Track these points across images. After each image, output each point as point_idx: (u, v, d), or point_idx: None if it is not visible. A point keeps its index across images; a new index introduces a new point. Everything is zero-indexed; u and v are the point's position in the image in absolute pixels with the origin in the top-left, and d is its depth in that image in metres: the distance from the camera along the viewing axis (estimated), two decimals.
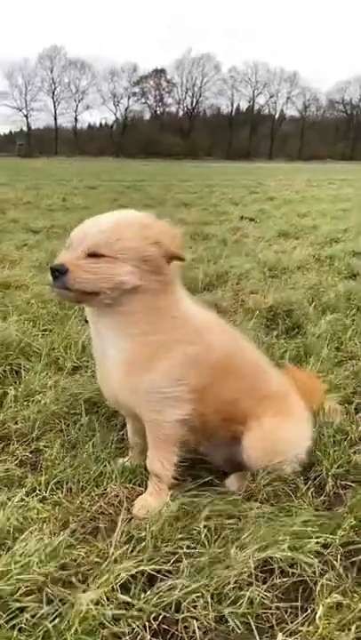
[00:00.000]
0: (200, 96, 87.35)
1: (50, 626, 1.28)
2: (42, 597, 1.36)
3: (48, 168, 30.49)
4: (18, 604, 1.33)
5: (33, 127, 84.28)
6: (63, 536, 1.56)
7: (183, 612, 1.36)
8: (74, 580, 1.43)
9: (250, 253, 6.07)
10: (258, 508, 1.75)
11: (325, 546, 1.58)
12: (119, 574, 1.41)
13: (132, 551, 1.53)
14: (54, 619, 1.31)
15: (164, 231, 1.70)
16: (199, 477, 1.92)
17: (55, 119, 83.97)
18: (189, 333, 1.76)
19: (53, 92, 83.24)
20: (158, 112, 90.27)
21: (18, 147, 73.96)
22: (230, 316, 3.76)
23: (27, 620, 1.31)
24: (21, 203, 10.99)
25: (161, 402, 1.75)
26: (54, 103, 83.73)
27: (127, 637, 1.31)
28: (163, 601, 1.37)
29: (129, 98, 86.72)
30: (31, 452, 2.11)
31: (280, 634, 1.33)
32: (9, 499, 1.74)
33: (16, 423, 2.26)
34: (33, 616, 1.32)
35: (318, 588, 1.46)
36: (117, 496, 1.82)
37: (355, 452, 2.09)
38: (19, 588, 1.36)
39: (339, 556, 1.56)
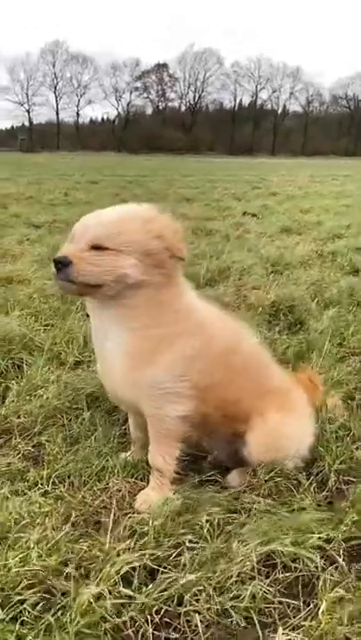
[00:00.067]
0: (202, 91, 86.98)
1: (52, 619, 1.28)
2: (44, 591, 1.36)
3: (50, 163, 30.41)
4: (20, 597, 1.33)
5: (35, 122, 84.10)
6: (65, 530, 1.56)
7: (186, 606, 1.36)
8: (76, 573, 1.43)
9: (252, 249, 6.05)
10: (260, 502, 1.75)
11: (328, 541, 1.58)
12: (121, 567, 1.41)
13: (134, 545, 1.53)
14: (56, 612, 1.31)
15: (166, 225, 1.69)
16: (201, 472, 1.92)
17: (57, 114, 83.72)
18: (192, 327, 1.75)
19: (55, 87, 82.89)
20: (160, 107, 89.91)
21: (20, 141, 73.79)
22: (232, 311, 3.75)
23: (29, 612, 1.31)
24: (23, 197, 10.98)
25: (162, 397, 1.74)
26: (56, 98, 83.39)
27: (129, 630, 1.31)
28: (165, 594, 1.37)
29: (131, 92, 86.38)
30: (33, 447, 2.11)
31: (282, 628, 1.33)
32: (11, 492, 1.74)
33: (18, 417, 2.26)
34: (35, 609, 1.32)
35: (321, 582, 1.46)
36: (119, 490, 1.82)
37: (357, 448, 2.09)
38: (20, 582, 1.37)
39: (341, 551, 1.57)
